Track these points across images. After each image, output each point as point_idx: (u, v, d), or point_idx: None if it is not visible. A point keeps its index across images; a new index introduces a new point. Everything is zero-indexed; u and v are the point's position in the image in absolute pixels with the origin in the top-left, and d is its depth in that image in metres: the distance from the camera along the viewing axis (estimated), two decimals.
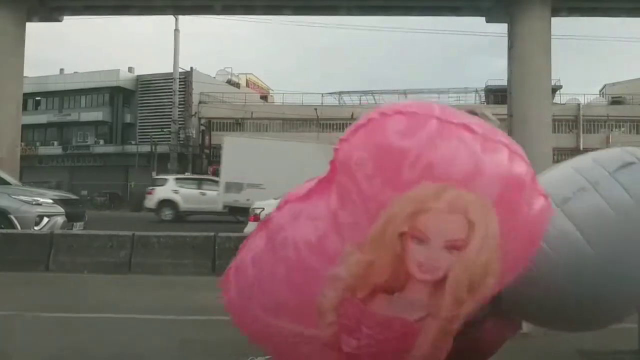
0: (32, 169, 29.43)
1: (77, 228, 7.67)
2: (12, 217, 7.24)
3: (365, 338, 1.45)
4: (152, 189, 17.99)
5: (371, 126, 1.40)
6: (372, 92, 36.63)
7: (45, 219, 7.41)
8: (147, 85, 34.51)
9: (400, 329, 1.44)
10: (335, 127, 33.76)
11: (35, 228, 7.18)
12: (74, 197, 9.27)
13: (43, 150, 35.23)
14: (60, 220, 7.55)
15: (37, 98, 35.93)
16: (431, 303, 1.42)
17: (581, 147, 30.76)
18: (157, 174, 24.87)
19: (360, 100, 36.59)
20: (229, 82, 37.49)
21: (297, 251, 1.46)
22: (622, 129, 32.59)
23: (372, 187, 1.36)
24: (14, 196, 7.53)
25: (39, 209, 7.50)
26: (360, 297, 1.41)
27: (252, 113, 33.61)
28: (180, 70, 30.66)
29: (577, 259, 1.68)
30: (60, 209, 7.65)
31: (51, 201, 7.76)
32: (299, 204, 1.53)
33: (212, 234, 6.10)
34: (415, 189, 1.33)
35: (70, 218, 7.72)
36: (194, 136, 32.38)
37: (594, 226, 1.69)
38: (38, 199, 7.68)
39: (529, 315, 1.97)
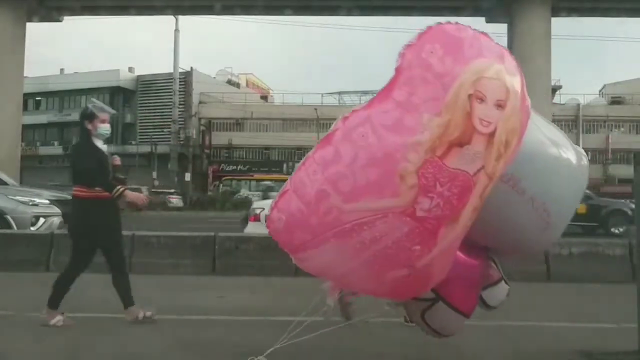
0: (32, 169, 29.44)
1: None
2: (8, 217, 7.22)
3: (437, 197, 1.83)
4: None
5: (433, 30, 1.96)
6: (372, 92, 36.51)
7: (42, 220, 7.39)
8: (147, 86, 34.52)
9: (463, 182, 1.86)
10: None
11: (32, 228, 7.17)
12: (70, 197, 9.21)
13: (43, 150, 35.23)
14: (56, 220, 7.51)
15: (38, 98, 35.95)
16: (485, 155, 1.88)
17: (581, 147, 30.72)
18: (157, 174, 24.90)
19: (360, 100, 36.62)
20: (229, 82, 37.50)
21: (377, 136, 1.84)
22: (622, 129, 32.58)
23: (445, 65, 1.88)
24: (10, 197, 7.51)
25: (36, 210, 7.47)
26: (439, 155, 1.83)
27: (252, 113, 33.62)
28: (180, 70, 30.68)
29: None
30: (57, 210, 7.62)
31: (48, 202, 7.73)
32: (365, 111, 1.91)
33: (212, 234, 6.09)
34: (474, 63, 1.90)
35: (67, 218, 7.69)
36: (194, 136, 32.38)
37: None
38: (34, 199, 7.66)
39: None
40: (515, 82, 1.96)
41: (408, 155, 1.80)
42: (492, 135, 1.87)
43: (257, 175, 28.36)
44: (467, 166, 1.85)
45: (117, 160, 3.73)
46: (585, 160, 2.46)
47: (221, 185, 27.92)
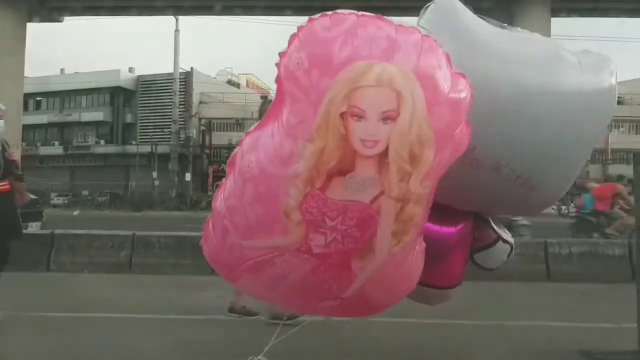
0: (32, 169, 29.44)
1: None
2: None
3: (330, 232, 1.59)
4: None
5: (302, 31, 1.62)
6: None
7: None
8: (147, 86, 34.52)
9: (359, 213, 1.57)
10: None
11: None
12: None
13: (44, 151, 35.24)
14: None
15: (38, 98, 35.96)
16: (381, 179, 1.55)
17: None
18: (157, 174, 24.91)
19: None
20: (229, 82, 37.51)
21: (259, 166, 1.61)
22: (622, 129, 32.57)
23: (311, 79, 1.54)
24: None
25: None
26: (318, 187, 1.55)
27: (252, 113, 33.62)
28: (180, 70, 30.68)
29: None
30: None
31: None
32: (256, 132, 1.70)
33: None
34: (346, 71, 1.51)
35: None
36: (195, 136, 32.38)
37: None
38: None
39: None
40: (412, 77, 1.52)
41: (289, 189, 1.56)
42: (383, 155, 1.52)
43: None
44: (358, 195, 1.55)
45: (13, 156, 3.83)
46: (605, 76, 1.82)
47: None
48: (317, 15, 1.61)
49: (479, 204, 2.04)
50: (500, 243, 2.16)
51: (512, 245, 2.18)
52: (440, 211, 1.82)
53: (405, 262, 1.73)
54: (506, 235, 2.19)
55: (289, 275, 1.69)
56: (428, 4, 2.01)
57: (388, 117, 1.52)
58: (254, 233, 1.66)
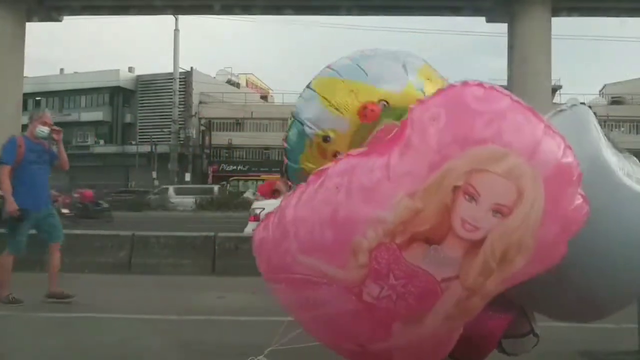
0: None
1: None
2: None
3: (388, 288, 1.54)
4: None
5: (451, 90, 1.59)
6: None
7: None
8: (147, 85, 34.51)
9: (425, 284, 1.52)
10: None
11: None
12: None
13: None
14: None
15: (37, 98, 35.92)
16: (463, 264, 1.51)
17: None
18: (157, 174, 24.88)
19: None
20: (229, 82, 37.50)
21: (348, 195, 1.56)
22: (622, 129, 32.59)
23: (441, 139, 1.50)
24: None
25: None
26: (398, 243, 1.50)
27: (252, 113, 33.61)
28: (180, 70, 30.68)
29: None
30: None
31: None
32: (357, 158, 1.64)
33: (212, 234, 6.09)
34: (480, 149, 1.48)
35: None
36: (194, 136, 32.38)
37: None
38: None
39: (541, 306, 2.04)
40: (540, 184, 1.48)
41: (367, 230, 1.51)
42: (477, 244, 1.48)
43: (264, 176, 28.32)
44: (432, 268, 1.51)
45: None
46: None
47: (228, 185, 27.88)
48: (473, 81, 1.58)
49: (546, 310, 2.03)
50: (530, 336, 2.12)
51: (539, 338, 2.14)
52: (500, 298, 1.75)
53: (442, 339, 1.70)
54: (536, 327, 2.16)
55: (327, 305, 1.64)
56: (566, 105, 1.99)
57: (499, 211, 1.47)
58: (314, 252, 1.61)
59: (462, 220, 1.48)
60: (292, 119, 1.88)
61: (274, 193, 7.55)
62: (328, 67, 1.94)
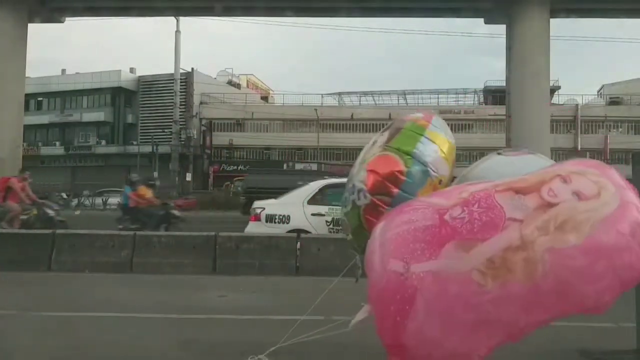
0: (34, 170, 29.36)
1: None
2: None
3: (468, 212, 1.86)
4: None
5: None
6: (371, 93, 36.64)
7: None
8: (148, 86, 34.54)
9: (495, 217, 1.82)
10: (335, 127, 33.78)
11: None
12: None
13: (45, 151, 35.25)
14: None
15: (39, 98, 35.98)
16: (531, 213, 1.80)
17: (579, 148, 30.72)
18: (158, 174, 24.86)
19: (360, 101, 36.61)
20: (230, 82, 37.51)
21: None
22: (620, 129, 32.55)
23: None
24: None
25: None
26: (497, 190, 1.91)
27: (252, 113, 33.63)
28: (181, 71, 30.70)
29: None
30: None
31: None
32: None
33: (212, 233, 6.11)
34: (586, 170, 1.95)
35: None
36: (195, 136, 32.39)
37: None
38: None
39: None
40: (615, 201, 1.84)
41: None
42: (550, 205, 1.80)
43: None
44: (508, 208, 1.81)
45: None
46: None
47: (232, 185, 27.86)
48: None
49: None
50: None
51: None
52: None
53: (465, 293, 1.79)
54: None
55: (414, 221, 1.90)
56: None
57: (578, 194, 1.83)
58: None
59: (550, 189, 1.84)
60: (410, 157, 2.22)
61: None
62: (432, 123, 2.37)
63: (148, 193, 8.61)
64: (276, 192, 7.00)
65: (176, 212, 8.85)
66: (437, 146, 2.26)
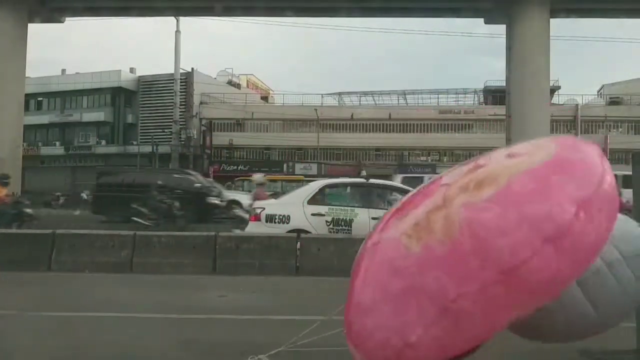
0: (34, 170, 29.42)
1: None
2: None
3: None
4: None
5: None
6: (371, 93, 36.63)
7: None
8: (148, 86, 34.53)
9: (433, 184, 2.01)
10: (335, 127, 33.78)
11: None
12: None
13: (45, 151, 35.24)
14: None
15: (39, 98, 35.96)
16: (460, 177, 1.87)
17: None
18: None
19: (360, 101, 36.61)
20: (230, 82, 37.50)
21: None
22: (620, 129, 32.53)
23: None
24: None
25: None
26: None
27: (252, 113, 33.62)
28: (181, 71, 30.68)
29: (580, 318, 2.16)
30: None
31: None
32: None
33: (212, 233, 6.11)
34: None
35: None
36: (195, 136, 32.39)
37: (602, 297, 2.11)
38: None
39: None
40: (546, 158, 1.76)
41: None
42: (479, 167, 1.84)
43: (269, 176, 28.26)
44: (446, 175, 1.95)
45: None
46: None
47: (233, 185, 27.88)
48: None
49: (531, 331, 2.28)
50: None
51: None
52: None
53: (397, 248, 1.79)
54: None
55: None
56: None
57: (511, 155, 1.84)
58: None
59: (489, 156, 1.90)
60: None
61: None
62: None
63: (1, 191, 8.41)
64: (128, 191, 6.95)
65: (29, 211, 8.63)
66: None
